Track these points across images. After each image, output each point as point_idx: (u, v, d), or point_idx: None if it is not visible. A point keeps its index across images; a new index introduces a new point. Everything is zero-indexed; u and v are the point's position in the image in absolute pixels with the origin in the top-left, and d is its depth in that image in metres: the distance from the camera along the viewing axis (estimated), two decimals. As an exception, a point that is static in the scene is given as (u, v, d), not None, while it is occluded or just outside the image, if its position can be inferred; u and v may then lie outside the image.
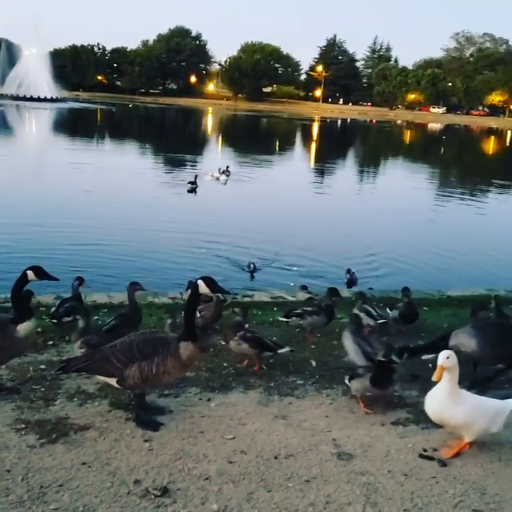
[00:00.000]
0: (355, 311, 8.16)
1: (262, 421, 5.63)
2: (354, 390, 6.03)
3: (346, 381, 6.16)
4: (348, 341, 6.77)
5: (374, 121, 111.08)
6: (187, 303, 5.56)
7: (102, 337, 6.49)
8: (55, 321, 7.89)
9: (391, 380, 5.97)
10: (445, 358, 5.14)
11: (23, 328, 5.70)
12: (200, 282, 5.36)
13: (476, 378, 6.64)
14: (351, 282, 12.80)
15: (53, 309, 8.04)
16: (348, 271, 13.08)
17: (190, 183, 24.85)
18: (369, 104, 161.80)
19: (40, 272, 5.80)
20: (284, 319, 8.26)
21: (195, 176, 25.41)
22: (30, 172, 28.97)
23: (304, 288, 10.85)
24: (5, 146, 38.51)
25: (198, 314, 7.81)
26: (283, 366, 6.95)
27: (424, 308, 9.55)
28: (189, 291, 8.82)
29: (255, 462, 4.92)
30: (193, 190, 24.53)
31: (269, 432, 5.42)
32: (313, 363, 7.08)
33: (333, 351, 7.56)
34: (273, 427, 5.53)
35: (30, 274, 5.76)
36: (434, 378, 5.11)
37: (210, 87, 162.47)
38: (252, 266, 13.58)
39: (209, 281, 5.37)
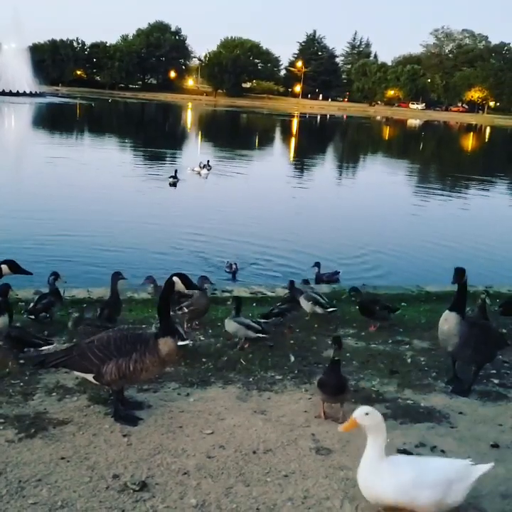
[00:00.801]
0: (302, 298, 8.58)
1: (241, 416, 5.65)
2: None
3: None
4: (232, 324, 7.36)
5: (344, 116, 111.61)
6: (160, 299, 5.54)
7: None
8: (32, 317, 7.87)
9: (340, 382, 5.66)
10: (363, 413, 4.13)
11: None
12: (175, 279, 5.37)
13: (455, 375, 6.70)
14: (318, 278, 12.69)
15: (31, 305, 8.02)
16: (317, 264, 12.84)
17: (171, 177, 25.21)
18: (345, 100, 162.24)
19: (14, 266, 5.80)
20: (264, 320, 8.16)
21: (175, 171, 25.67)
22: (9, 166, 28.71)
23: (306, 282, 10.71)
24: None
25: (186, 309, 7.88)
26: (262, 361, 6.98)
27: (403, 303, 9.64)
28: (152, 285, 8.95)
29: (234, 457, 4.94)
30: (174, 184, 24.88)
31: (248, 427, 5.44)
32: (292, 358, 7.11)
33: (312, 347, 7.60)
34: (252, 422, 5.55)
35: (4, 268, 5.77)
36: (340, 429, 4.25)
37: (190, 82, 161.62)
38: (233, 266, 13.33)
39: (183, 278, 5.39)
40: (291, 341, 7.79)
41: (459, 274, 6.32)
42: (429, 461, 4.40)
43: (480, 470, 4.18)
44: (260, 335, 7.44)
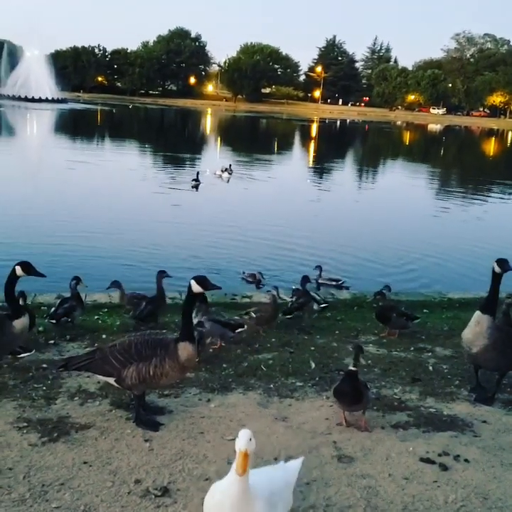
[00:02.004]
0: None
1: (262, 422, 5.63)
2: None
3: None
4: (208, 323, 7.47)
5: (366, 126, 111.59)
6: (183, 303, 5.57)
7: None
8: (54, 321, 7.93)
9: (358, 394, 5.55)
10: (247, 440, 3.28)
11: (18, 323, 5.79)
12: (192, 282, 5.34)
13: (478, 383, 6.62)
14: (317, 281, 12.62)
15: (52, 310, 8.09)
16: (318, 267, 12.85)
17: (193, 180, 25.75)
18: (362, 105, 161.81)
19: (28, 268, 5.86)
20: (288, 316, 8.62)
21: (197, 173, 26.16)
22: (33, 170, 29.11)
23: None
24: (7, 146, 38.46)
25: (253, 315, 7.96)
26: (282, 367, 6.96)
27: (425, 310, 9.57)
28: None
29: (255, 463, 4.91)
30: (196, 187, 25.41)
31: (269, 434, 5.42)
32: (313, 365, 7.08)
33: (333, 353, 7.57)
34: (273, 428, 5.53)
35: (18, 269, 5.84)
36: (239, 472, 3.25)
37: (210, 88, 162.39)
38: (257, 275, 12.94)
39: (201, 280, 5.36)
40: (312, 348, 7.76)
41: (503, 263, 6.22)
42: (259, 474, 3.68)
43: (295, 465, 3.94)
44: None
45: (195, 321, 7.33)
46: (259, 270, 13.08)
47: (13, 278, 5.87)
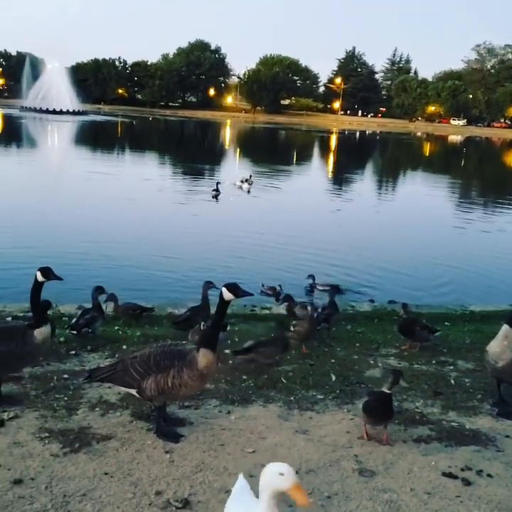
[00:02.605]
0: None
1: (283, 435, 5.61)
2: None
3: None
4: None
5: (377, 133, 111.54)
6: (216, 311, 5.50)
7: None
8: (74, 332, 7.99)
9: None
10: (294, 472, 3.06)
11: (40, 333, 5.78)
12: (223, 289, 5.32)
13: (500, 398, 6.55)
14: (312, 288, 12.65)
15: (74, 320, 8.15)
16: (311, 276, 12.86)
17: (213, 190, 26.12)
18: (379, 115, 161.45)
19: (47, 272, 5.90)
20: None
21: (217, 184, 26.49)
22: (57, 181, 29.56)
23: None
24: (29, 157, 38.93)
25: (292, 329, 7.99)
26: (303, 380, 6.94)
27: (446, 323, 9.50)
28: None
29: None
30: (216, 197, 25.74)
31: (290, 447, 5.40)
32: (333, 378, 7.05)
33: (354, 366, 7.53)
34: (293, 441, 5.51)
35: (38, 275, 5.88)
36: (307, 504, 3.05)
37: (229, 99, 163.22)
38: (277, 288, 12.68)
39: (232, 287, 5.33)
40: (333, 360, 7.73)
41: None
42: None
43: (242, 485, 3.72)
44: None
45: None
46: (279, 283, 12.95)
47: (36, 285, 5.90)
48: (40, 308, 5.95)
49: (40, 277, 5.87)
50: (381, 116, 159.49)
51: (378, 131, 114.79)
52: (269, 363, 7.35)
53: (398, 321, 8.53)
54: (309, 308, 8.37)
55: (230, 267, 14.50)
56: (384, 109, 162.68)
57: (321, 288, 12.71)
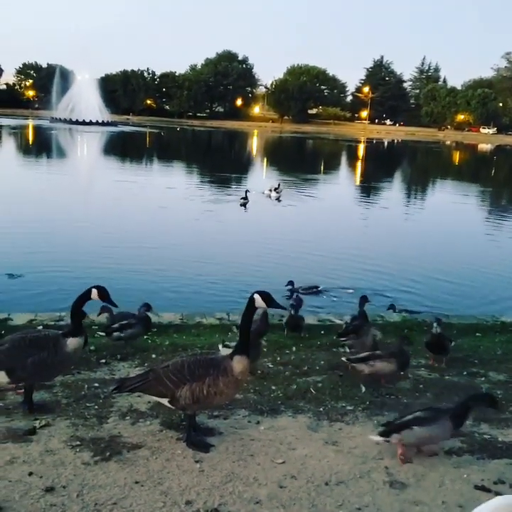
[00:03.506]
0: None
1: (312, 446, 5.58)
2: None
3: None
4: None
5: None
6: (242, 317, 5.48)
7: None
8: (103, 333, 8.17)
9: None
10: None
11: (72, 342, 5.78)
12: (256, 296, 5.31)
13: None
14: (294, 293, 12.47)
15: (114, 325, 8.24)
16: (290, 283, 12.76)
17: (242, 198, 26.49)
18: (402, 123, 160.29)
19: (104, 294, 5.83)
20: (342, 339, 8.50)
21: (246, 192, 26.88)
22: (90, 191, 30.23)
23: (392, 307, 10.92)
24: (61, 167, 39.53)
25: (348, 349, 7.91)
26: (332, 391, 6.90)
27: (477, 334, 9.38)
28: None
29: (306, 488, 4.88)
30: (244, 205, 26.11)
31: (320, 458, 5.37)
32: (363, 389, 7.00)
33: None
34: (323, 452, 5.48)
35: (94, 292, 5.81)
36: None
37: (256, 109, 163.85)
38: (295, 295, 12.47)
39: (265, 296, 5.31)
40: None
41: None
42: None
43: None
44: None
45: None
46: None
47: (85, 298, 5.85)
48: (79, 319, 5.92)
49: (94, 295, 5.80)
50: (403, 124, 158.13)
51: (399, 140, 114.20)
52: (382, 377, 7.20)
53: (429, 337, 8.22)
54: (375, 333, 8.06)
55: (265, 274, 14.56)
56: (403, 118, 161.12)
57: (303, 292, 12.58)
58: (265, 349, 8.26)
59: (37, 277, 13.54)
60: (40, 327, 8.85)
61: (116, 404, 6.25)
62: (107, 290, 5.88)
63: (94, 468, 4.96)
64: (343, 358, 7.48)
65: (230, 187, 33.52)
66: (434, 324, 8.19)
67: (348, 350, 7.94)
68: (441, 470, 5.25)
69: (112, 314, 8.96)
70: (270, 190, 29.09)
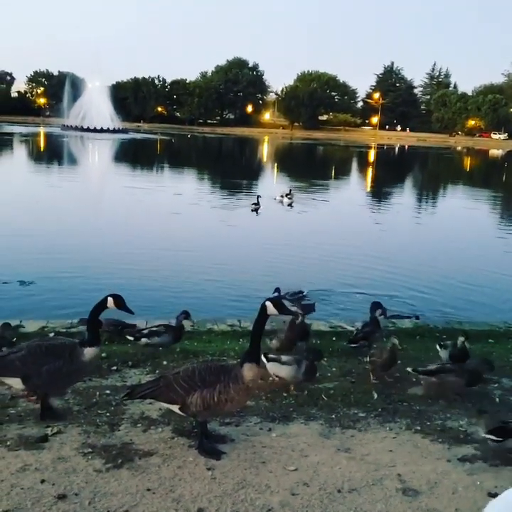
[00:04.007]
0: None
1: (324, 453, 5.56)
2: None
3: None
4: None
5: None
6: (254, 324, 5.48)
7: None
8: (131, 338, 8.32)
9: None
10: None
11: (89, 352, 5.77)
12: (268, 303, 5.31)
13: None
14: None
15: (145, 331, 8.36)
16: (277, 290, 12.51)
17: (253, 203, 26.64)
18: (407, 129, 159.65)
19: (120, 302, 5.84)
20: (353, 345, 8.44)
21: (258, 197, 27.03)
22: (106, 199, 30.49)
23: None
24: (74, 174, 39.75)
25: (369, 358, 7.69)
26: (344, 397, 6.87)
27: (490, 340, 9.31)
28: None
29: (318, 495, 4.85)
30: (256, 210, 26.25)
31: (332, 465, 5.34)
32: (375, 396, 6.96)
33: (396, 383, 7.43)
34: (335, 459, 5.45)
35: (110, 301, 5.82)
36: None
37: (267, 116, 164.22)
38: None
39: (277, 303, 5.32)
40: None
41: None
42: None
43: None
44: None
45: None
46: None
47: (101, 307, 5.86)
48: (96, 328, 5.92)
49: (110, 304, 5.80)
50: (410, 130, 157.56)
51: (406, 146, 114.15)
52: (448, 390, 7.02)
53: (452, 352, 7.90)
54: (393, 340, 7.62)
55: (277, 280, 14.50)
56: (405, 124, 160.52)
57: (290, 298, 12.46)
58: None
59: (48, 284, 13.59)
60: (52, 334, 8.90)
61: (127, 411, 6.25)
62: (123, 298, 5.88)
63: (106, 476, 4.96)
64: (409, 369, 7.24)
65: (241, 193, 33.68)
66: (461, 338, 7.87)
67: (368, 359, 7.73)
68: (454, 477, 5.21)
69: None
70: (282, 196, 29.30)
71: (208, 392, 5.25)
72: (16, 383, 5.81)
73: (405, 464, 5.41)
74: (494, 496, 4.89)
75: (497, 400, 7.03)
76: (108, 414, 6.16)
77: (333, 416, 6.37)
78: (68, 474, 4.95)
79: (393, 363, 7.48)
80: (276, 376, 7.16)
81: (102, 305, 5.85)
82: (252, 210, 26.21)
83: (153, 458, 5.30)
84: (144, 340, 8.21)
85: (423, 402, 6.85)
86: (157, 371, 7.68)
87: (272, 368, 7.11)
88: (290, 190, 29.83)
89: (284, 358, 7.12)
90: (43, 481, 4.81)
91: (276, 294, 12.54)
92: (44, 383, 5.76)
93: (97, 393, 6.64)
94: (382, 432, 6.07)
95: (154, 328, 8.32)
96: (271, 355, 7.24)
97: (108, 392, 6.71)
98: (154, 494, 4.74)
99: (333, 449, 5.65)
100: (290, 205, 28.68)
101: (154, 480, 4.94)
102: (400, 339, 9.29)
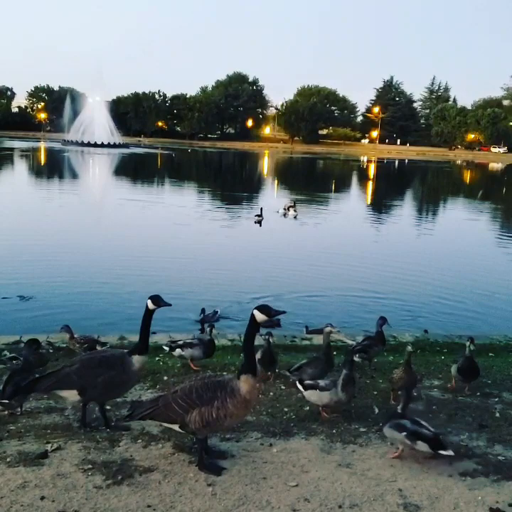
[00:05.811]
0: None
1: (325, 469, 5.54)
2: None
3: None
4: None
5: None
6: (245, 335, 5.46)
7: None
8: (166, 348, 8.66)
9: None
10: None
11: (138, 360, 5.95)
12: (255, 312, 5.28)
13: None
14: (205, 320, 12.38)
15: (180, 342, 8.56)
16: (202, 310, 12.66)
17: (256, 215, 26.96)
18: (407, 143, 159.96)
19: (157, 300, 5.99)
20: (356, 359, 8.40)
21: (261, 209, 27.37)
22: (110, 212, 30.61)
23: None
24: (75, 189, 39.86)
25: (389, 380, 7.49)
26: (345, 412, 6.85)
27: (490, 354, 9.30)
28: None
29: (319, 511, 4.83)
30: (259, 222, 26.55)
31: (333, 481, 5.32)
32: (376, 410, 6.95)
33: (397, 398, 7.40)
34: (336, 475, 5.43)
35: (149, 303, 5.99)
36: None
37: (267, 130, 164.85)
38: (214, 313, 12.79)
39: (264, 308, 5.28)
40: (375, 392, 7.63)
41: None
42: None
43: None
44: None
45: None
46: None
47: (148, 313, 6.01)
48: (147, 336, 6.04)
49: (151, 305, 5.97)
50: (409, 144, 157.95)
51: (406, 160, 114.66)
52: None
53: (464, 362, 7.75)
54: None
55: (279, 296, 14.59)
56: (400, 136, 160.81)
57: (210, 320, 12.25)
58: (277, 370, 8.22)
59: (47, 299, 13.61)
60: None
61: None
62: (159, 296, 6.02)
63: (106, 492, 4.94)
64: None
65: (242, 206, 33.96)
66: (467, 344, 7.77)
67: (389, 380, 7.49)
68: (456, 492, 5.19)
69: (73, 335, 9.06)
70: (285, 209, 29.61)
71: (206, 410, 5.22)
72: (72, 395, 6.02)
73: (406, 479, 5.39)
74: (496, 511, 4.87)
75: (498, 414, 7.01)
76: (108, 430, 6.14)
77: (334, 431, 6.36)
78: (68, 491, 4.93)
79: (413, 382, 7.20)
80: (317, 404, 6.76)
81: (146, 310, 6.02)
82: (255, 222, 26.44)
83: (153, 474, 5.28)
84: (178, 351, 8.32)
85: (424, 417, 6.83)
86: (158, 386, 7.69)
87: (312, 396, 6.72)
88: (294, 203, 30.19)
89: (321, 382, 6.70)
90: (42, 498, 4.80)
91: (201, 315, 12.55)
92: (100, 393, 5.99)
93: (97, 409, 6.61)
94: (384, 447, 6.05)
95: (189, 340, 8.40)
96: (308, 382, 6.83)
97: (108, 407, 6.69)
98: (155, 511, 4.72)
99: (334, 464, 5.63)
100: (295, 217, 28.98)
101: (155, 496, 4.92)
102: (401, 353, 9.33)
